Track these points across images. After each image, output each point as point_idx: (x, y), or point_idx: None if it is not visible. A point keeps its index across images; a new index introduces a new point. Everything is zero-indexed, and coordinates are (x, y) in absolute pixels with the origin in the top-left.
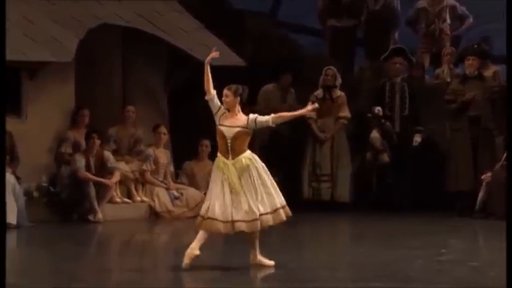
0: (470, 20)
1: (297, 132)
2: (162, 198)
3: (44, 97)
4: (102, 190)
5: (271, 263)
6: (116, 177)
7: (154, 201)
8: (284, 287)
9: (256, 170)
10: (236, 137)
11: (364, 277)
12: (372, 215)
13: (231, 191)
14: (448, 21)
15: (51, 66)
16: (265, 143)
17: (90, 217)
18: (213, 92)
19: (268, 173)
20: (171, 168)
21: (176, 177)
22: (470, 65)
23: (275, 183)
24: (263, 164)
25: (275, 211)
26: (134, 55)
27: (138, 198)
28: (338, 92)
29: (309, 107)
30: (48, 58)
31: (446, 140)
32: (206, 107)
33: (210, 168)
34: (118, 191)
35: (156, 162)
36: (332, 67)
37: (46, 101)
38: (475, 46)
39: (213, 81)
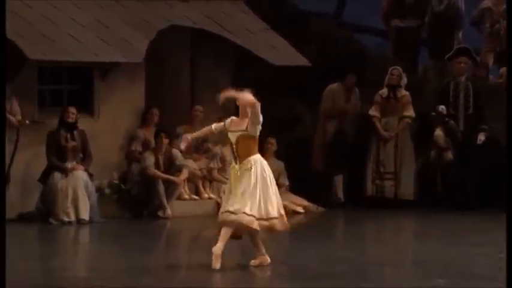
0: None
1: (362, 131)
2: None
3: (115, 97)
4: (171, 187)
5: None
6: (184, 174)
7: (221, 198)
8: (348, 284)
9: (258, 175)
10: (238, 141)
11: (428, 274)
12: (436, 213)
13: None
14: None
15: (122, 66)
16: (329, 142)
17: (160, 213)
18: (213, 128)
19: (274, 181)
20: None
21: None
22: None
23: (277, 193)
24: (270, 172)
25: (270, 219)
26: (202, 55)
27: (206, 195)
28: (403, 92)
29: None
30: (120, 59)
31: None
32: (270, 105)
33: (276, 166)
34: (186, 188)
35: (223, 160)
36: (398, 67)
37: (117, 101)
38: None
39: (279, 82)
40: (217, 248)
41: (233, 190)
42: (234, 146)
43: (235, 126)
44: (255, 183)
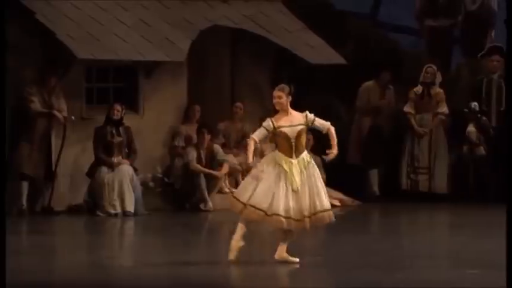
0: None
1: (397, 127)
2: None
3: (158, 94)
4: (212, 181)
5: (296, 259)
6: (225, 169)
7: None
8: (383, 275)
9: (315, 168)
10: (299, 135)
11: (461, 265)
12: (469, 206)
13: (293, 189)
14: None
15: (166, 65)
16: (365, 137)
17: (201, 206)
18: (256, 139)
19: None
20: None
21: None
22: None
23: (324, 187)
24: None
25: (322, 211)
26: (242, 54)
27: None
28: (437, 89)
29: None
30: (163, 58)
31: None
32: (308, 102)
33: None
34: (227, 182)
35: (261, 154)
36: (432, 65)
37: (161, 98)
38: None
39: (316, 80)
40: (238, 240)
41: (295, 186)
42: (293, 141)
43: (287, 122)
44: (314, 178)
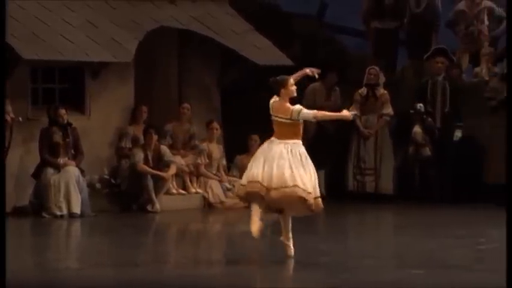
0: None
1: (342, 128)
2: (215, 190)
3: (105, 95)
4: (159, 182)
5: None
6: (172, 170)
7: (207, 192)
8: (330, 275)
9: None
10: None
11: (406, 265)
12: (415, 207)
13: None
14: (486, 22)
15: (112, 66)
16: (311, 139)
17: (148, 207)
18: None
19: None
20: (224, 162)
21: (228, 170)
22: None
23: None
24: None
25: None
26: (189, 55)
27: (193, 190)
28: (381, 90)
29: (349, 112)
30: (110, 59)
31: (485, 135)
32: (255, 103)
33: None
34: (174, 183)
35: (209, 156)
36: (375, 66)
37: (108, 99)
38: None
39: (263, 81)
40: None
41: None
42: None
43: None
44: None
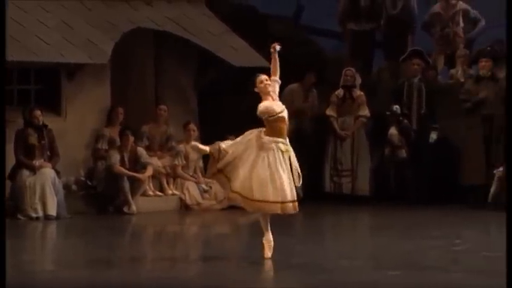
0: (483, 23)
1: (319, 130)
2: (192, 191)
3: (81, 96)
4: (135, 184)
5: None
6: (149, 171)
7: (184, 194)
8: (307, 276)
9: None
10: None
11: (382, 266)
12: (391, 208)
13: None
14: (462, 24)
15: (88, 67)
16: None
17: (125, 209)
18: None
19: None
20: (200, 163)
21: (205, 171)
22: (483, 66)
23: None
24: None
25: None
26: (166, 56)
27: (170, 192)
28: (358, 92)
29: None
30: (85, 60)
31: (460, 137)
32: (232, 104)
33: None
34: (151, 184)
35: (186, 157)
36: (351, 68)
37: (84, 100)
38: (489, 48)
39: (240, 82)
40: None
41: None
42: (286, 126)
43: (280, 107)
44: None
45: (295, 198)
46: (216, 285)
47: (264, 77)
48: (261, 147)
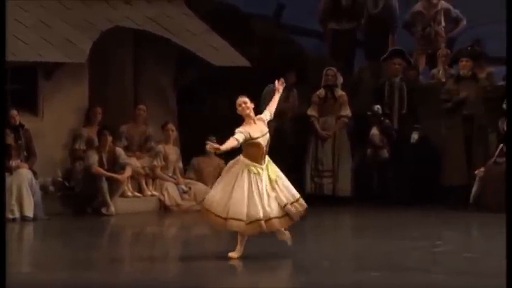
0: (464, 22)
1: (300, 130)
2: (171, 192)
3: (59, 96)
4: (114, 185)
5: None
6: (128, 172)
7: (163, 195)
8: (289, 277)
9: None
10: (268, 143)
11: (364, 267)
12: (372, 208)
13: (267, 190)
14: (443, 23)
15: (66, 67)
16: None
17: (103, 210)
18: (240, 140)
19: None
20: (180, 164)
21: (184, 172)
22: (464, 66)
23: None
24: None
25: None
26: (145, 56)
27: (149, 193)
28: (340, 92)
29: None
30: (63, 59)
31: (441, 137)
32: (212, 104)
33: (216, 163)
34: (129, 185)
35: (165, 158)
36: (332, 67)
37: (61, 100)
38: (469, 48)
39: (220, 82)
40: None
41: (268, 191)
42: (265, 149)
43: (258, 131)
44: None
45: (260, 218)
46: (195, 286)
47: (242, 99)
48: (237, 168)
